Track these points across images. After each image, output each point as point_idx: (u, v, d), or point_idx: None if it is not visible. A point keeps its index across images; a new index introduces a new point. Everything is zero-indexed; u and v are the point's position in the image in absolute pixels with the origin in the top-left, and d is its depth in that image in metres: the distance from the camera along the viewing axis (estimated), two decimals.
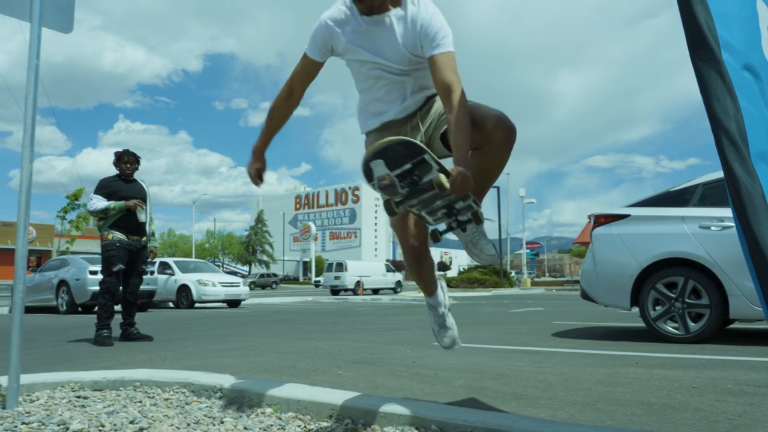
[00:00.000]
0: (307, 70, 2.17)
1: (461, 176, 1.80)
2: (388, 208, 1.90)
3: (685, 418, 2.30)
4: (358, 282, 25.66)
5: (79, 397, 2.47)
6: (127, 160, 5.94)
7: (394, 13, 2.01)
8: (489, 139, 2.03)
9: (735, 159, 0.96)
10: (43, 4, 2.44)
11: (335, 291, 26.75)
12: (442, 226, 2.03)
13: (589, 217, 6.15)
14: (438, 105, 2.18)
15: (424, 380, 3.23)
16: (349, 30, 2.06)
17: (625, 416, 2.33)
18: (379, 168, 1.79)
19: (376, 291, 28.11)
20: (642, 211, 5.18)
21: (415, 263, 2.32)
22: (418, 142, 1.80)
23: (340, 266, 26.96)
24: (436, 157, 1.80)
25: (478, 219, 1.98)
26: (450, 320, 2.50)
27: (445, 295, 2.54)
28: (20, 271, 2.32)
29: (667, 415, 2.35)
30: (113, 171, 6.02)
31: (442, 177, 1.77)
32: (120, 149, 6.04)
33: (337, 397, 2.14)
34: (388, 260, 51.03)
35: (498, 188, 39.21)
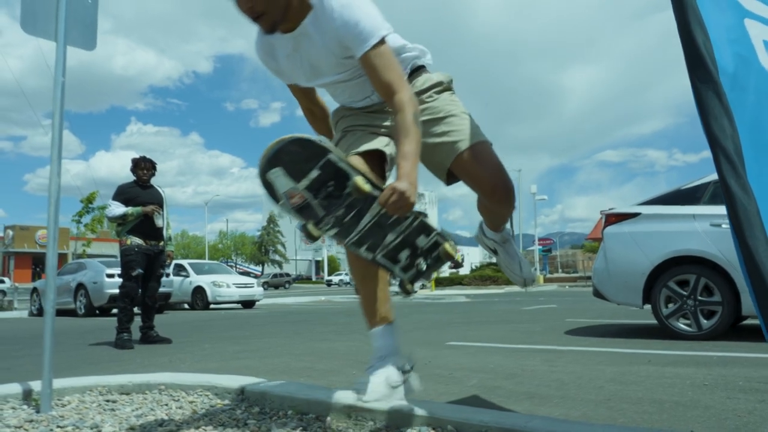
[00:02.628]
0: (299, 92, 2.04)
1: (396, 193, 1.52)
2: (308, 234, 1.54)
3: (695, 415, 2.35)
4: None
5: (108, 400, 2.57)
6: (143, 166, 6.06)
7: (309, 21, 1.75)
8: (488, 200, 1.98)
9: (731, 176, 1.02)
10: (67, 23, 2.54)
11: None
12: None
13: (602, 212, 6.19)
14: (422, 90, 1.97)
15: (439, 380, 3.30)
16: (282, 56, 1.87)
17: (636, 414, 2.39)
18: (281, 180, 1.47)
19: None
20: (653, 210, 5.21)
21: (365, 282, 1.90)
22: (315, 138, 1.51)
23: None
24: (344, 157, 1.54)
25: (448, 256, 1.71)
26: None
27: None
28: (51, 281, 2.42)
29: (677, 412, 2.41)
30: (125, 173, 6.21)
31: (359, 180, 1.50)
32: (137, 156, 6.16)
33: (353, 398, 2.22)
34: None
35: None
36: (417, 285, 1.77)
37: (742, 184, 1.01)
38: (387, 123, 1.94)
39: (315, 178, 1.49)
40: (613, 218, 5.42)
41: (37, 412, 2.38)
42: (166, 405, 2.49)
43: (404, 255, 1.68)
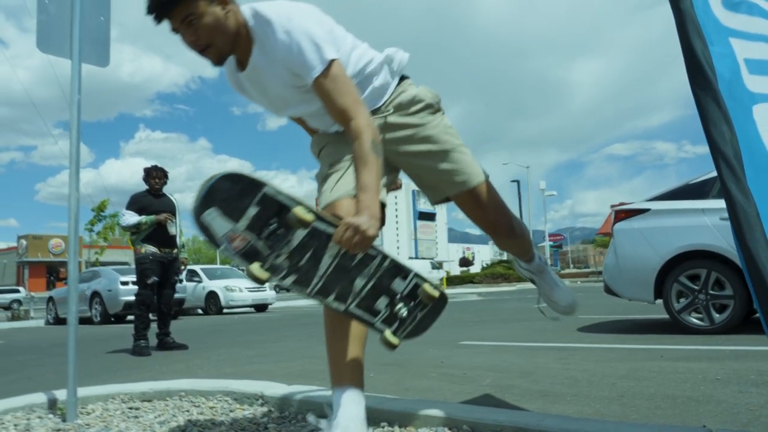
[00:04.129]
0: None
1: (351, 228, 1.40)
2: (253, 277, 1.37)
3: (707, 410, 2.38)
4: None
5: (131, 408, 2.64)
6: (155, 175, 6.15)
7: (257, 51, 1.65)
8: (489, 234, 2.01)
9: (731, 181, 1.06)
10: (81, 41, 2.60)
11: None
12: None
13: (612, 207, 6.20)
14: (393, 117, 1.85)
15: (453, 380, 3.34)
16: (249, 89, 1.79)
17: (649, 410, 2.42)
18: (218, 222, 1.34)
19: None
20: (662, 205, 5.22)
21: (334, 338, 1.70)
22: (248, 172, 1.37)
23: None
24: (282, 189, 1.40)
25: (429, 298, 1.54)
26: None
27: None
28: (73, 293, 2.49)
29: (690, 407, 2.43)
30: (135, 180, 6.34)
31: (299, 210, 1.34)
32: (148, 165, 6.25)
33: (372, 401, 2.27)
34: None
35: (518, 182, 39.10)
36: (400, 337, 1.57)
37: (742, 188, 1.05)
38: None
39: (254, 216, 1.35)
40: (622, 214, 5.44)
41: (63, 420, 2.45)
42: (188, 411, 2.55)
43: (383, 304, 1.51)
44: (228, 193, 1.33)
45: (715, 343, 4.22)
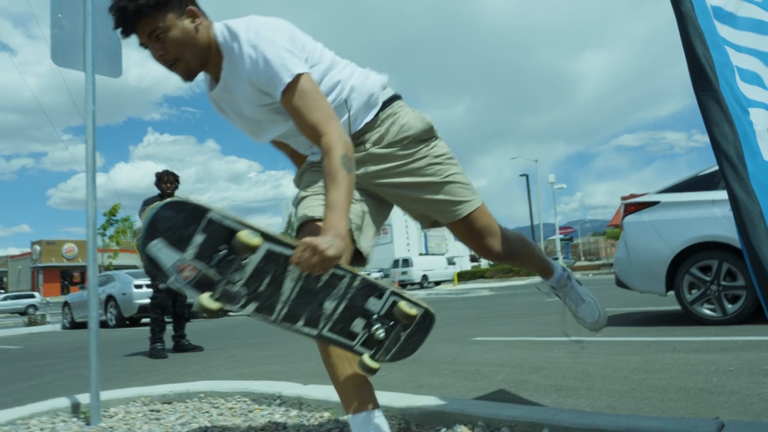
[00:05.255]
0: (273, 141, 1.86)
1: (308, 249, 1.31)
2: (202, 309, 1.28)
3: (720, 401, 2.40)
4: (424, 276, 27.81)
5: (152, 410, 2.70)
6: (167, 180, 6.22)
7: (226, 68, 1.59)
8: (485, 257, 1.96)
9: (734, 180, 1.09)
10: (95, 54, 2.66)
11: (402, 285, 29.39)
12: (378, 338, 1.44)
13: (622, 199, 6.20)
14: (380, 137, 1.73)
15: (467, 376, 3.38)
16: (227, 109, 1.72)
17: (662, 402, 2.45)
18: (164, 254, 1.27)
19: (438, 283, 30.98)
20: (671, 197, 5.22)
21: (331, 366, 1.62)
22: (190, 198, 1.30)
23: (406, 262, 29.77)
24: (229, 213, 1.32)
25: (406, 317, 1.42)
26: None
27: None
28: (93, 299, 2.55)
29: (702, 399, 2.45)
30: (144, 183, 6.55)
31: (244, 234, 1.26)
32: (160, 169, 6.33)
33: (388, 399, 2.32)
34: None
35: (527, 176, 38.95)
36: (380, 360, 1.47)
37: (745, 186, 1.08)
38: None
39: (202, 244, 1.28)
40: (632, 208, 5.44)
41: (87, 424, 2.51)
42: (207, 412, 2.61)
43: (359, 326, 1.43)
44: (171, 222, 1.26)
45: (727, 334, 4.23)
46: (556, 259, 41.23)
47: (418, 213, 1.87)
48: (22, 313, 32.19)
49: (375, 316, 1.43)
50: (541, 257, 2.11)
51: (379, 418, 1.59)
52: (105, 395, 2.82)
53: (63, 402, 2.81)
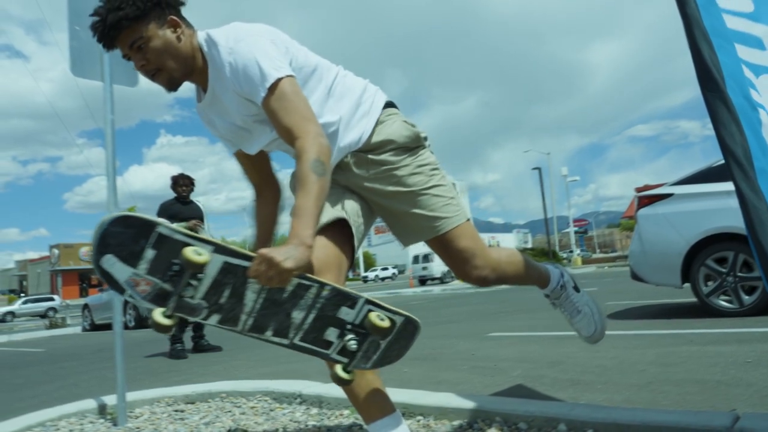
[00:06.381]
0: (247, 162, 1.78)
1: (264, 262, 1.25)
2: (155, 325, 1.25)
3: (737, 393, 2.41)
4: (446, 271, 28.21)
5: (176, 410, 2.77)
6: (182, 183, 6.31)
7: (211, 76, 1.57)
8: (462, 280, 1.82)
9: (742, 179, 1.12)
10: (112, 64, 2.73)
11: (423, 280, 29.44)
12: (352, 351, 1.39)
13: (636, 191, 6.18)
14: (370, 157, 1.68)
15: (484, 372, 3.42)
16: (216, 121, 1.68)
17: (679, 396, 2.46)
18: (118, 268, 1.26)
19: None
20: (685, 189, 5.20)
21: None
22: (139, 214, 1.28)
23: (426, 258, 30.29)
24: (178, 227, 1.30)
25: (377, 330, 1.36)
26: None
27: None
28: (117, 302, 2.62)
29: (720, 391, 2.47)
30: (158, 184, 6.68)
31: (188, 252, 1.23)
32: (176, 173, 6.42)
33: (408, 396, 2.36)
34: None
35: (540, 169, 38.77)
36: (353, 371, 1.42)
37: (752, 185, 1.11)
38: (341, 178, 1.70)
39: (153, 259, 1.26)
40: (645, 200, 5.43)
41: (115, 425, 2.59)
42: (230, 412, 2.67)
43: (333, 335, 1.38)
44: (121, 237, 1.25)
45: (744, 326, 4.21)
46: (564, 257, 40.78)
47: (398, 230, 1.78)
48: (42, 315, 32.71)
49: (348, 326, 1.38)
50: (535, 272, 2.01)
51: (397, 421, 1.61)
52: (130, 396, 2.89)
53: (90, 404, 2.89)
